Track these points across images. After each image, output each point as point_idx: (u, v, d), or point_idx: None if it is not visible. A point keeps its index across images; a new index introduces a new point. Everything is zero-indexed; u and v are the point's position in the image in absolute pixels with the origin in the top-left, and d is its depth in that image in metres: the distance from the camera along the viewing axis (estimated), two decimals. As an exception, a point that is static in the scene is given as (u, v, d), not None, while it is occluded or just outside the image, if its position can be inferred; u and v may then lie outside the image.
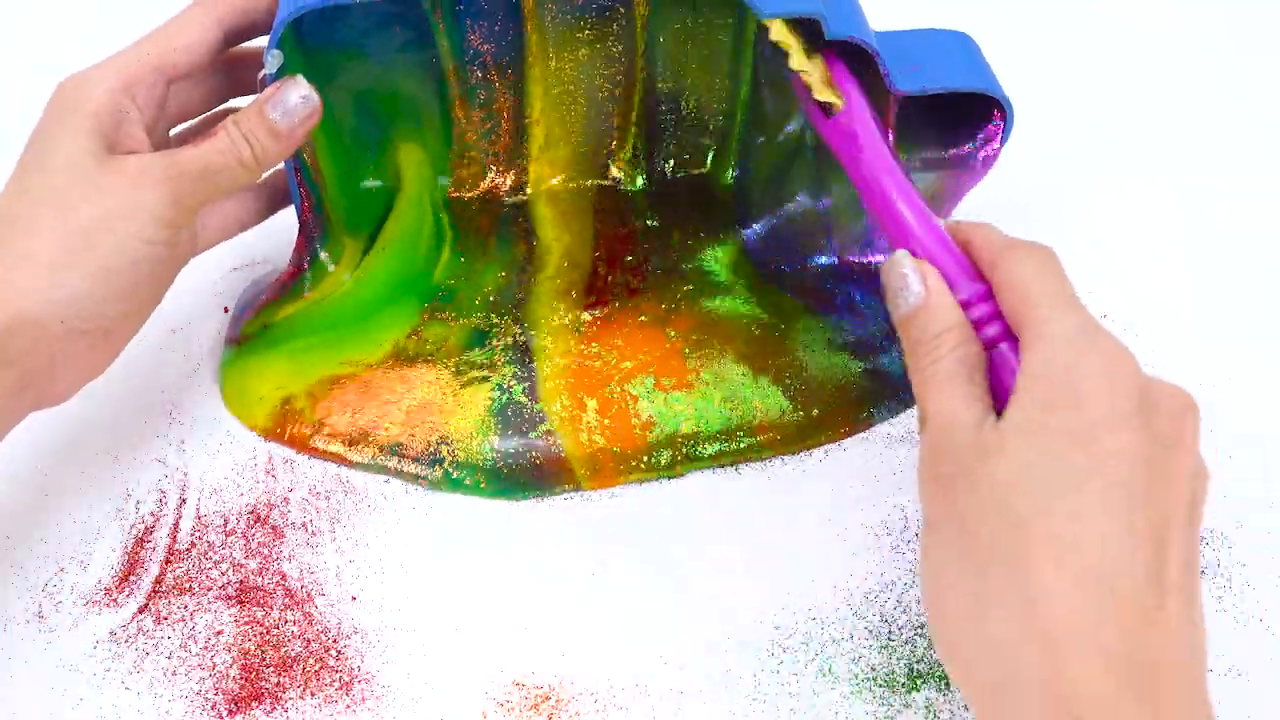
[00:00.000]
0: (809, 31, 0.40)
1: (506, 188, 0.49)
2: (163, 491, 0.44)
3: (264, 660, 0.39)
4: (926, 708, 0.38)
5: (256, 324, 0.46)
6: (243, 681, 0.39)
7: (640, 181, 0.49)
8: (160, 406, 0.46)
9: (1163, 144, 0.57)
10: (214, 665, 0.39)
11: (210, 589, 0.41)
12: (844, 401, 0.46)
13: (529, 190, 0.49)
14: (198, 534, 0.42)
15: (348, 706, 0.38)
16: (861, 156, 0.39)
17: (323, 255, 0.46)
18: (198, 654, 0.39)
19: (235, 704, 0.38)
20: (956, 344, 0.34)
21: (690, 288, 0.48)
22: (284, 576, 0.41)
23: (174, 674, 0.39)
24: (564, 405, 0.45)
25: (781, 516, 0.43)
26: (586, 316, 0.47)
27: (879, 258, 0.49)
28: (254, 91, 0.44)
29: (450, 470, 0.44)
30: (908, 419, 0.46)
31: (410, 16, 0.44)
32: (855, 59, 0.41)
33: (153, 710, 0.38)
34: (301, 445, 0.45)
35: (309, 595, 0.41)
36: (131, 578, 0.41)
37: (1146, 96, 0.60)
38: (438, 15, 0.43)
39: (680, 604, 0.41)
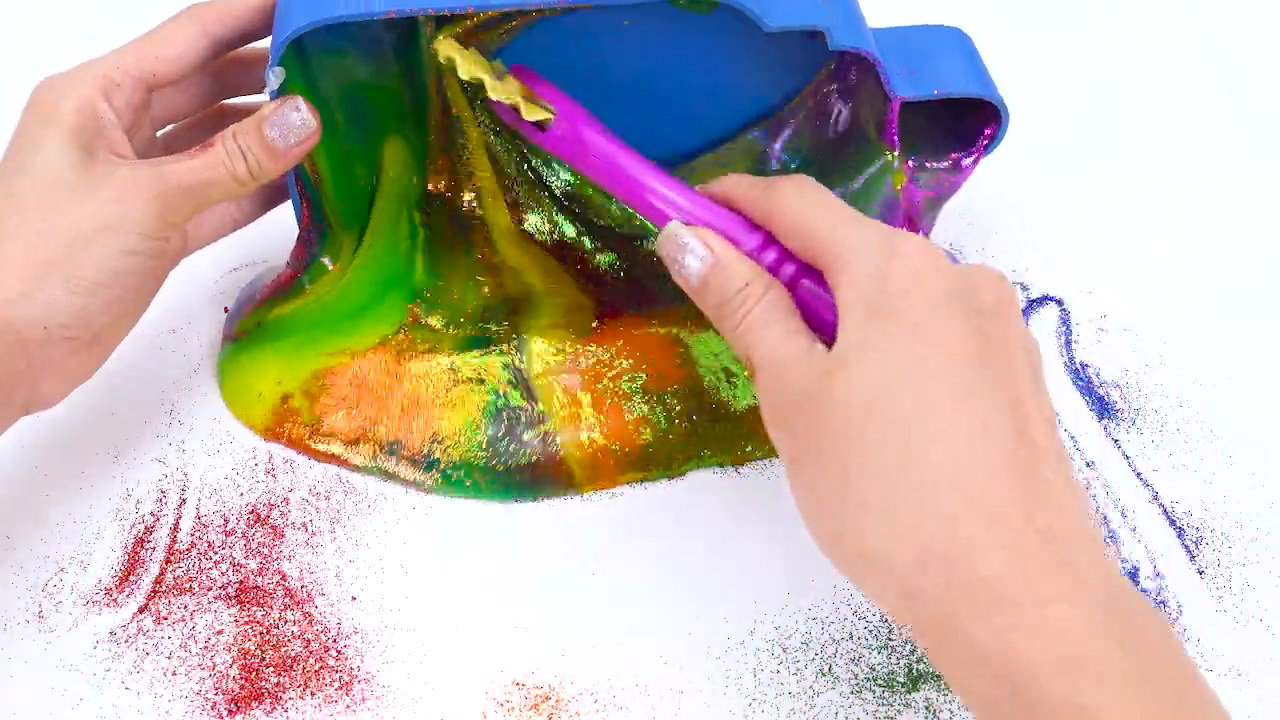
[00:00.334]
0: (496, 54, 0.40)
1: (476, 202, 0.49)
2: (163, 491, 0.44)
3: (264, 660, 0.39)
4: (926, 708, 0.38)
5: (251, 321, 0.46)
6: (243, 681, 0.39)
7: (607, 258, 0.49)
8: (160, 406, 0.46)
9: (1162, 143, 0.57)
10: (214, 665, 0.39)
11: (210, 589, 0.41)
12: None
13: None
14: (198, 534, 0.42)
15: (348, 706, 0.38)
16: (594, 153, 0.39)
17: (324, 259, 0.46)
18: (198, 654, 0.39)
19: (235, 704, 0.38)
20: (762, 291, 0.34)
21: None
22: (284, 576, 0.41)
23: (174, 674, 0.39)
24: (560, 403, 0.45)
25: (782, 516, 0.43)
26: (595, 324, 0.47)
27: None
28: (246, 94, 0.44)
29: (448, 471, 0.44)
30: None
31: (400, 20, 0.44)
32: (852, 62, 0.41)
33: (153, 710, 0.38)
34: (300, 446, 0.45)
35: (309, 595, 0.41)
36: (131, 578, 0.41)
37: (1144, 94, 0.60)
38: (429, 26, 0.43)
39: (680, 604, 0.41)
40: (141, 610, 0.40)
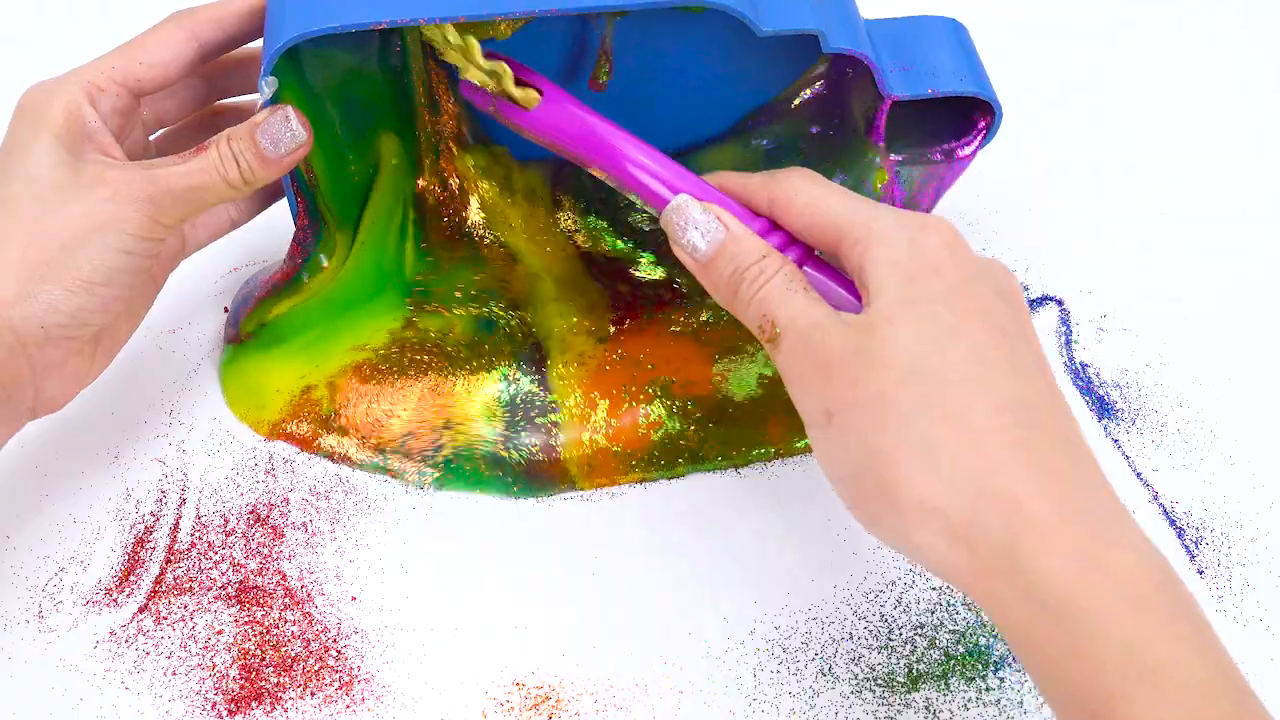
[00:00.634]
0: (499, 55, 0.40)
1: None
2: (163, 491, 0.44)
3: (264, 660, 0.39)
4: (926, 708, 0.38)
5: (253, 322, 0.46)
6: (243, 681, 0.39)
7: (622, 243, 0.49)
8: (160, 406, 0.46)
9: (1163, 143, 0.57)
10: (214, 665, 0.39)
11: (210, 589, 0.41)
12: None
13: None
14: (198, 534, 0.42)
15: (348, 706, 0.38)
16: (586, 131, 0.39)
17: (320, 255, 0.46)
18: (198, 654, 0.39)
19: (235, 704, 0.38)
20: (780, 263, 0.35)
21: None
22: (284, 576, 0.41)
23: (174, 674, 0.39)
24: (576, 402, 0.45)
25: (782, 516, 0.43)
26: (612, 329, 0.47)
27: None
28: (239, 94, 0.44)
29: (450, 459, 0.44)
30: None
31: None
32: (846, 58, 0.41)
33: (153, 710, 0.38)
34: (306, 443, 0.45)
35: (309, 595, 0.41)
36: (131, 578, 0.41)
37: (1144, 94, 0.60)
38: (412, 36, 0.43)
39: (680, 604, 0.41)
40: (141, 610, 0.40)
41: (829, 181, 0.36)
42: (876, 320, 0.32)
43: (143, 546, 0.42)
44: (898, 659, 0.40)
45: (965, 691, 0.39)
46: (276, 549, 0.42)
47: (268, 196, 0.45)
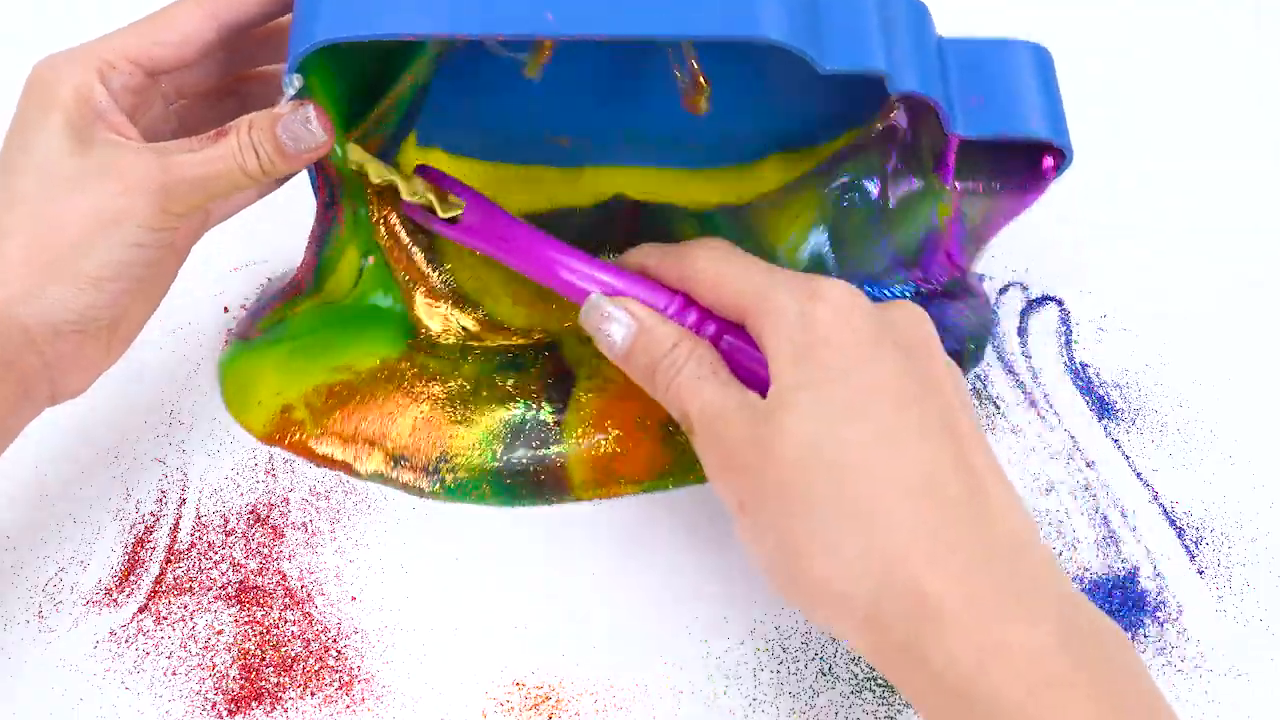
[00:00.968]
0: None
1: None
2: (163, 491, 0.44)
3: (264, 660, 0.39)
4: (926, 708, 0.38)
5: (272, 319, 0.46)
6: (243, 681, 0.39)
7: None
8: (160, 406, 0.46)
9: (1163, 142, 0.57)
10: (214, 665, 0.39)
11: (210, 589, 0.41)
12: None
13: None
14: (198, 534, 0.42)
15: (348, 706, 0.38)
16: (507, 237, 0.40)
17: (329, 255, 0.45)
18: (198, 654, 0.39)
19: (235, 704, 0.38)
20: (690, 348, 0.35)
21: None
22: (284, 576, 0.41)
23: (174, 674, 0.39)
24: (586, 430, 0.44)
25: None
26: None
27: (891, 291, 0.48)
28: (265, 64, 0.42)
29: (452, 487, 0.44)
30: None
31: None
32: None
33: (153, 710, 0.38)
34: (302, 450, 0.45)
35: (309, 595, 0.41)
36: (131, 578, 0.41)
37: (1144, 94, 0.60)
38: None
39: (680, 604, 0.41)
40: (141, 610, 0.40)
41: (733, 251, 0.36)
42: (774, 406, 0.32)
43: (143, 546, 0.42)
44: (898, 659, 0.40)
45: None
46: (276, 549, 0.42)
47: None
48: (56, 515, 0.43)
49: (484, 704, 0.39)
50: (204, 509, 0.43)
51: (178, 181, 0.36)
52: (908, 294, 0.47)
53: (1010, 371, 0.48)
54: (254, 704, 0.38)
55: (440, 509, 0.43)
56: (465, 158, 0.47)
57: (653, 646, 0.40)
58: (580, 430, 0.44)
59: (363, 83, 0.42)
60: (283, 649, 0.40)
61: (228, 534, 0.42)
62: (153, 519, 0.43)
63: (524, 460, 0.44)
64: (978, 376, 0.48)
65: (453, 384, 0.45)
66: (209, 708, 0.38)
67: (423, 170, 0.41)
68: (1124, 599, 0.41)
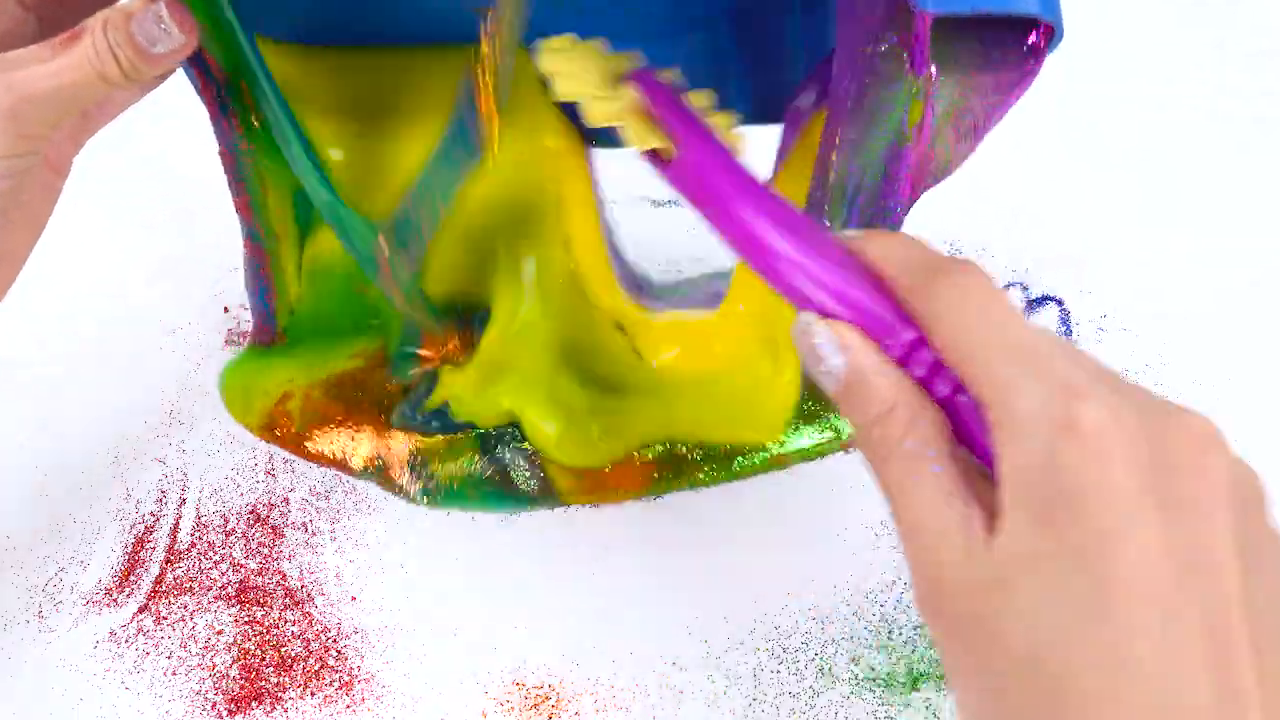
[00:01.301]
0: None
1: None
2: (163, 491, 0.44)
3: (264, 660, 0.39)
4: (926, 708, 0.38)
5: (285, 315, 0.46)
6: (243, 681, 0.39)
7: None
8: (160, 406, 0.46)
9: (1163, 143, 0.57)
10: (214, 665, 0.39)
11: (210, 589, 0.41)
12: None
13: None
14: (198, 534, 0.42)
15: (348, 706, 0.38)
16: (719, 205, 0.30)
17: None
18: (198, 654, 0.39)
19: (235, 704, 0.38)
20: (908, 424, 0.27)
21: None
22: (284, 576, 0.41)
23: (174, 674, 0.39)
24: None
25: (782, 517, 0.43)
26: None
27: None
28: None
29: (437, 497, 0.44)
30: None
31: None
32: None
33: (153, 710, 0.38)
34: (297, 450, 0.45)
35: (309, 595, 0.41)
36: (131, 578, 0.41)
37: (1144, 94, 0.60)
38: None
39: (680, 604, 0.41)
40: (141, 610, 0.40)
41: (992, 297, 0.26)
42: (995, 574, 0.24)
43: (143, 546, 0.42)
44: (898, 659, 0.40)
45: None
46: (276, 549, 0.42)
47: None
48: (56, 515, 0.43)
49: (484, 704, 0.39)
50: (204, 509, 0.43)
51: (25, 101, 0.31)
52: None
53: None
54: (254, 704, 0.38)
55: (441, 509, 0.43)
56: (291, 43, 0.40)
57: (653, 646, 0.40)
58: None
59: None
60: (283, 649, 0.40)
61: (228, 534, 0.42)
62: (153, 519, 0.43)
63: (502, 468, 0.44)
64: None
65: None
66: (209, 708, 0.38)
67: (641, 80, 0.32)
68: (1124, 599, 0.41)
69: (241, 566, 0.42)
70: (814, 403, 0.45)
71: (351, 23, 0.39)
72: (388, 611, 0.41)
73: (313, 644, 0.40)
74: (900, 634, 0.40)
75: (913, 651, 0.40)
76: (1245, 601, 0.24)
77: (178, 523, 0.43)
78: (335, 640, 0.40)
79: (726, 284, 0.45)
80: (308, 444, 0.45)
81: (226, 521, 0.43)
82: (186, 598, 0.41)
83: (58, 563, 0.42)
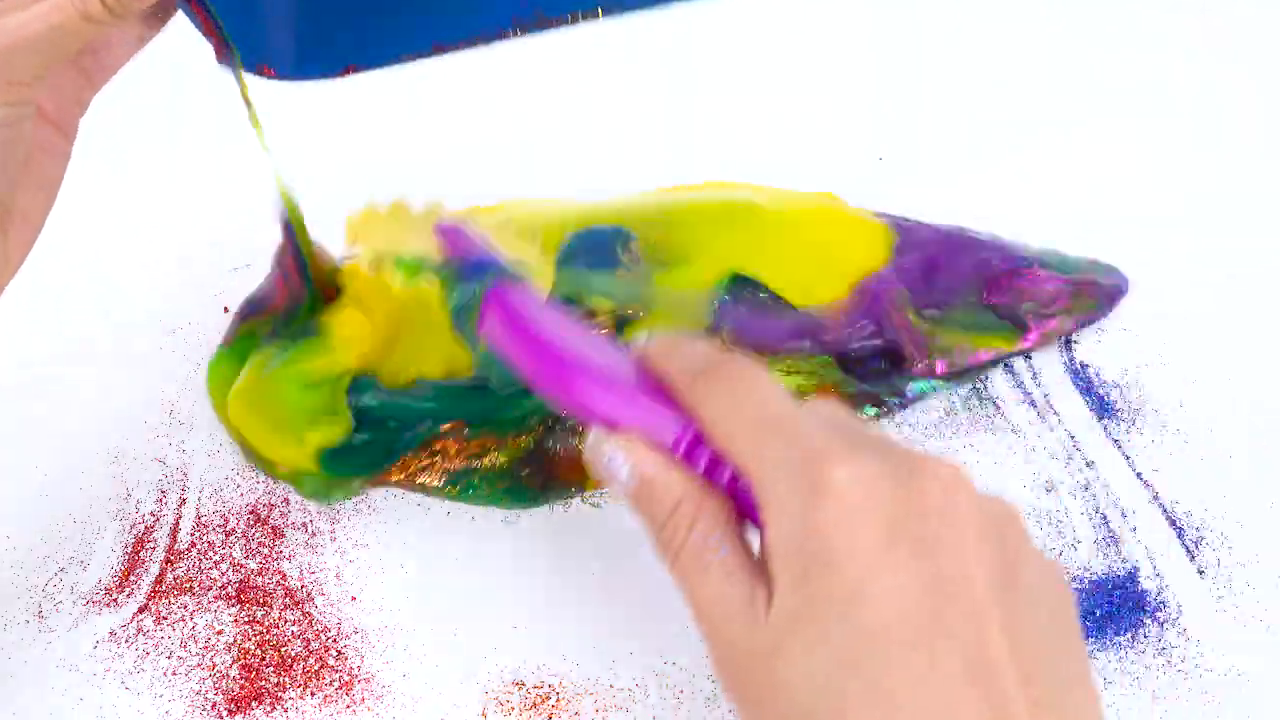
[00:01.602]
0: None
1: None
2: (163, 491, 0.44)
3: (264, 660, 0.39)
4: (926, 708, 0.38)
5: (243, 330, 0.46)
6: (243, 681, 0.39)
7: None
8: (160, 406, 0.46)
9: (1163, 143, 0.57)
10: (214, 665, 0.39)
11: (210, 589, 0.41)
12: None
13: None
14: (198, 534, 0.42)
15: (348, 706, 0.38)
16: (524, 328, 0.34)
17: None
18: (198, 654, 0.39)
19: (235, 704, 0.38)
20: (693, 513, 0.28)
21: None
22: (284, 576, 0.41)
23: (174, 674, 0.39)
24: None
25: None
26: None
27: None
28: None
29: (451, 492, 0.44)
30: (903, 420, 0.46)
31: None
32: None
33: (153, 710, 0.38)
34: None
35: (309, 595, 0.41)
36: (131, 578, 0.41)
37: (1143, 95, 0.60)
38: None
39: (680, 604, 0.41)
40: (141, 610, 0.40)
41: (753, 383, 0.29)
42: (770, 639, 0.26)
43: (143, 546, 0.42)
44: (898, 659, 0.40)
45: None
46: (276, 549, 0.42)
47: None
48: (56, 515, 0.43)
49: (484, 704, 0.39)
50: (204, 509, 0.43)
51: (8, 49, 0.30)
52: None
53: (1010, 371, 0.48)
54: (254, 704, 0.38)
55: (441, 509, 0.43)
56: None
57: (653, 646, 0.40)
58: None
59: None
60: (283, 649, 0.40)
61: (228, 534, 0.42)
62: (153, 519, 0.43)
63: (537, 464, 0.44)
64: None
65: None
66: (209, 708, 0.38)
67: (446, 233, 0.38)
68: (1124, 599, 0.41)
69: (241, 566, 0.42)
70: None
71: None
72: (388, 611, 0.41)
73: (313, 644, 0.40)
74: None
75: (913, 651, 0.40)
76: (1010, 630, 0.25)
77: (178, 523, 0.43)
78: (335, 640, 0.40)
79: None
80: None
81: (226, 521, 0.43)
82: (186, 598, 0.41)
83: (58, 563, 0.42)
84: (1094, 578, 0.42)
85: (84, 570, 0.42)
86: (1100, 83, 0.60)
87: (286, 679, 0.39)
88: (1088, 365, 0.48)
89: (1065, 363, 0.48)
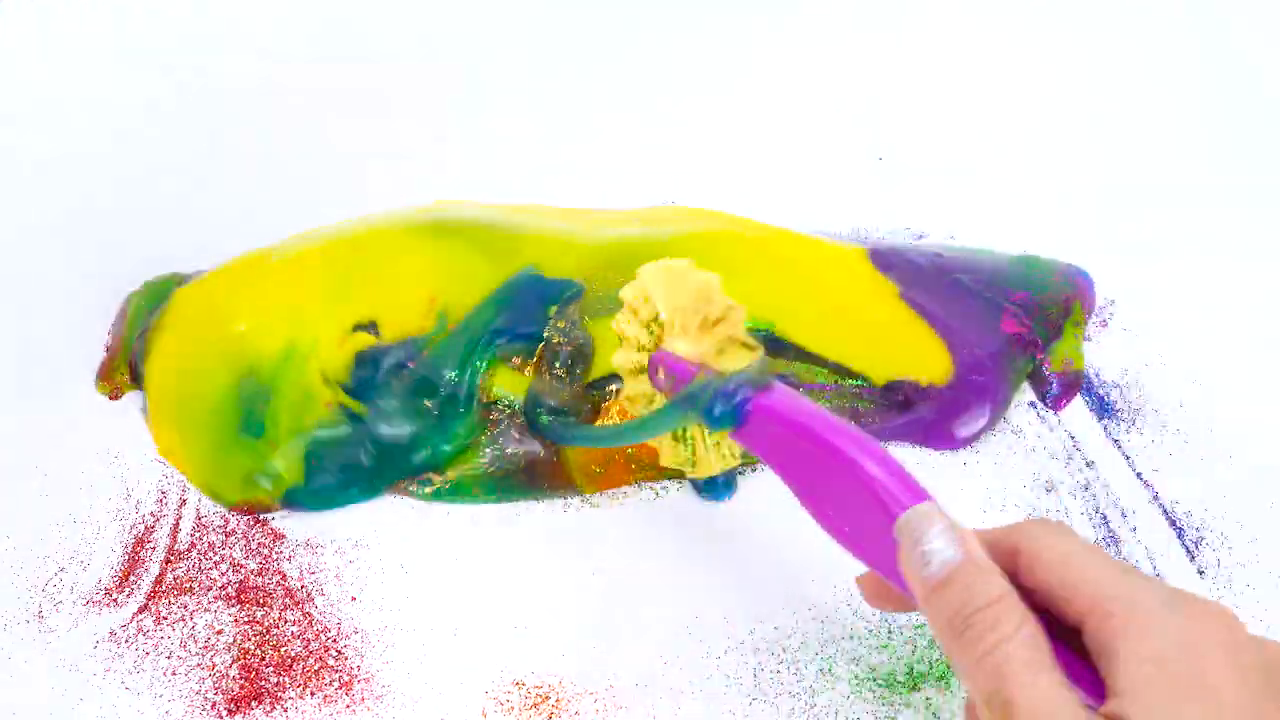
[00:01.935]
0: None
1: None
2: (163, 491, 0.44)
3: (264, 660, 0.39)
4: (926, 707, 0.38)
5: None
6: (243, 681, 0.39)
7: None
8: (160, 406, 0.46)
9: (1163, 143, 0.57)
10: (214, 665, 0.39)
11: (210, 589, 0.41)
12: None
13: None
14: (198, 534, 0.42)
15: (348, 706, 0.38)
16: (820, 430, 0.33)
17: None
18: (198, 654, 0.39)
19: (235, 704, 0.38)
20: (1021, 618, 0.28)
21: None
22: (284, 577, 0.41)
23: (174, 674, 0.39)
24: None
25: (782, 516, 0.43)
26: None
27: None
28: None
29: (442, 491, 0.44)
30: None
31: None
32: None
33: (153, 710, 0.38)
34: None
35: (309, 595, 0.41)
36: (131, 578, 0.41)
37: (1143, 96, 0.60)
38: None
39: (680, 604, 0.41)
40: (141, 610, 0.40)
41: (1083, 540, 0.30)
42: None
43: (143, 546, 0.42)
44: (898, 659, 0.40)
45: (965, 691, 0.39)
46: (276, 549, 0.42)
47: None
48: (56, 515, 0.43)
49: (484, 704, 0.39)
50: (204, 509, 0.43)
51: None
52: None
53: (1010, 371, 0.48)
54: (254, 704, 0.38)
55: (440, 509, 0.43)
56: None
57: (653, 646, 0.40)
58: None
59: None
60: (283, 649, 0.40)
61: (228, 534, 0.42)
62: (153, 519, 0.43)
63: (512, 453, 0.44)
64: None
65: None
66: (209, 708, 0.38)
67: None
68: (1124, 599, 0.41)
69: (241, 567, 0.42)
70: None
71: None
72: (388, 611, 0.41)
73: (313, 644, 0.40)
74: (900, 634, 0.40)
75: (913, 651, 0.40)
76: None
77: (178, 523, 0.43)
78: (335, 640, 0.40)
79: None
80: None
81: (227, 522, 0.43)
82: (186, 598, 0.41)
83: (58, 563, 0.42)
84: (1094, 578, 0.42)
85: (84, 570, 0.42)
86: (1100, 82, 0.60)
87: (286, 679, 0.39)
88: (1088, 365, 0.48)
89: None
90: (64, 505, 0.43)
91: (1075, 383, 0.47)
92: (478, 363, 0.43)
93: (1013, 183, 0.55)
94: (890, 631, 0.40)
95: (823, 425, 0.32)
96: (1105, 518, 0.43)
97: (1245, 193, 0.55)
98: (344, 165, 0.54)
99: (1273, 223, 0.54)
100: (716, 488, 0.43)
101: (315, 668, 0.39)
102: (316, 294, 0.44)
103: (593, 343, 0.44)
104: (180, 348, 0.45)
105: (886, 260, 0.48)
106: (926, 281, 0.48)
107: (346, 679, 0.39)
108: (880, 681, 0.39)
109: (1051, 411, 0.47)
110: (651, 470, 0.44)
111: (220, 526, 0.43)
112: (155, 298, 0.47)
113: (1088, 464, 0.45)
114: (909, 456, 0.45)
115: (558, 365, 0.43)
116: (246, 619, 0.40)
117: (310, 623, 0.40)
